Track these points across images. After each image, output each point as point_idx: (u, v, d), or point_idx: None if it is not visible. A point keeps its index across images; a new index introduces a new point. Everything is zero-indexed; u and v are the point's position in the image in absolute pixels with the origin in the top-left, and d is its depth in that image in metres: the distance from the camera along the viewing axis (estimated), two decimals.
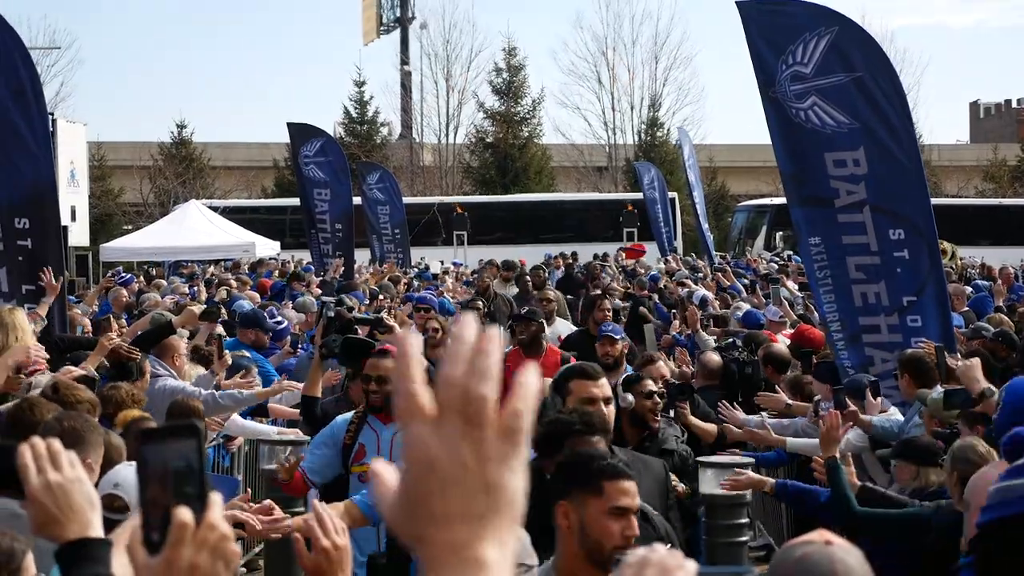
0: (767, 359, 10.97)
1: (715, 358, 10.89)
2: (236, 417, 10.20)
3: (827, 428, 6.85)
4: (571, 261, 32.20)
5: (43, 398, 6.60)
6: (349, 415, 7.31)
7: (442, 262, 34.87)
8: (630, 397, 7.27)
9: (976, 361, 7.31)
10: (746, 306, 16.10)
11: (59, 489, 2.68)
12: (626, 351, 10.29)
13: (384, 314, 12.80)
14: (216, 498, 2.11)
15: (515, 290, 20.89)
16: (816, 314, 13.72)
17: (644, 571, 2.24)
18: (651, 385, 7.54)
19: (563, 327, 13.80)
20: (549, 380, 6.86)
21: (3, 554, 3.83)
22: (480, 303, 16.93)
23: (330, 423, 7.32)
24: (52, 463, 2.71)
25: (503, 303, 18.39)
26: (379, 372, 7.15)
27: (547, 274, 28.51)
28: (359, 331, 9.58)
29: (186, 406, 7.87)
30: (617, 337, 10.10)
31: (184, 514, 2.05)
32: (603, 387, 6.21)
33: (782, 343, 11.80)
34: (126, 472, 4.93)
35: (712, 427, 8.90)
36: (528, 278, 20.65)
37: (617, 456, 4.92)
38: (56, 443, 2.75)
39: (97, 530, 2.69)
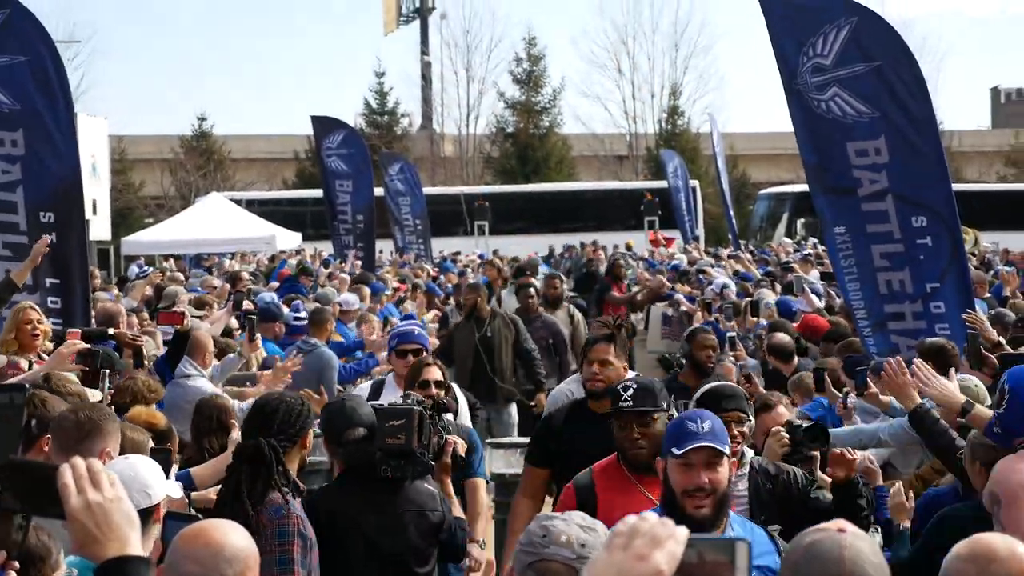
0: (771, 350, 11.01)
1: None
2: None
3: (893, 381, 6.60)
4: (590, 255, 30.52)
5: (35, 388, 6.55)
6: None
7: (458, 253, 34.91)
8: None
9: (952, 377, 7.06)
10: (769, 294, 16.07)
11: (98, 508, 2.73)
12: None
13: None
14: None
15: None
16: (838, 301, 13.73)
17: (634, 540, 2.26)
18: None
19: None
20: None
21: (42, 549, 3.93)
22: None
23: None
24: (92, 482, 2.76)
25: (504, 326, 13.07)
26: None
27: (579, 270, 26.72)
28: None
29: (216, 406, 7.48)
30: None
31: None
32: None
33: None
34: (122, 464, 4.85)
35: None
36: (531, 290, 14.57)
37: None
38: (96, 462, 2.80)
39: (136, 548, 2.73)
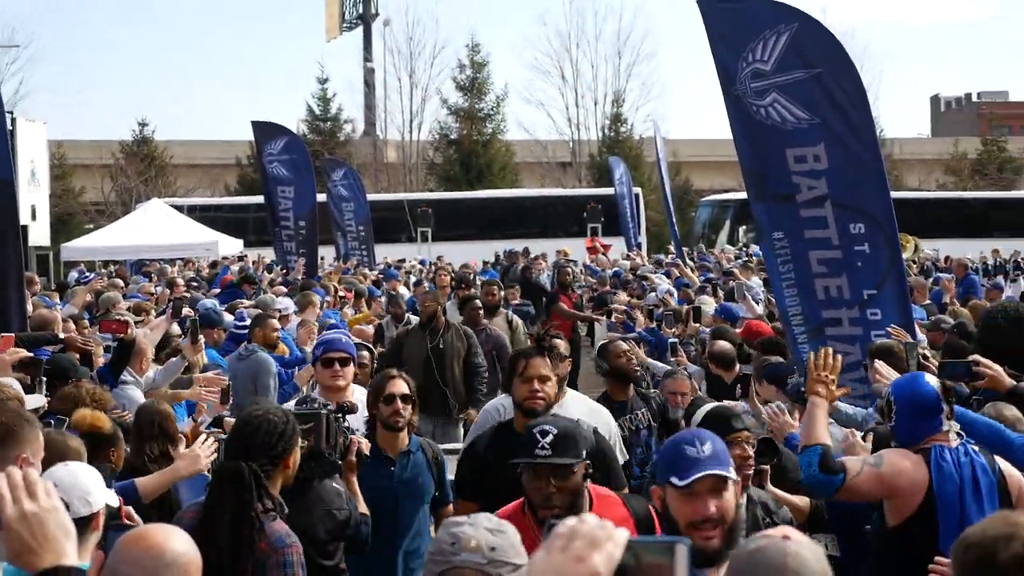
0: (712, 357, 11.06)
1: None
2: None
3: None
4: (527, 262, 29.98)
5: None
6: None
7: (403, 260, 34.87)
8: None
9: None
10: (710, 300, 16.16)
11: (34, 518, 2.72)
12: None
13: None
14: None
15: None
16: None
17: (573, 542, 2.28)
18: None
19: (575, 407, 7.33)
20: None
21: None
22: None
23: None
24: (28, 492, 2.73)
25: (457, 339, 12.69)
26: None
27: (528, 276, 26.74)
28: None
29: (157, 411, 7.54)
30: None
31: None
32: None
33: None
34: (62, 472, 4.80)
35: (804, 500, 6.53)
36: (476, 302, 14.43)
37: None
38: (32, 472, 2.78)
39: (71, 559, 2.72)
